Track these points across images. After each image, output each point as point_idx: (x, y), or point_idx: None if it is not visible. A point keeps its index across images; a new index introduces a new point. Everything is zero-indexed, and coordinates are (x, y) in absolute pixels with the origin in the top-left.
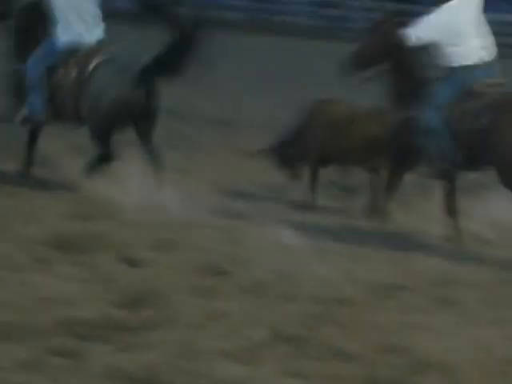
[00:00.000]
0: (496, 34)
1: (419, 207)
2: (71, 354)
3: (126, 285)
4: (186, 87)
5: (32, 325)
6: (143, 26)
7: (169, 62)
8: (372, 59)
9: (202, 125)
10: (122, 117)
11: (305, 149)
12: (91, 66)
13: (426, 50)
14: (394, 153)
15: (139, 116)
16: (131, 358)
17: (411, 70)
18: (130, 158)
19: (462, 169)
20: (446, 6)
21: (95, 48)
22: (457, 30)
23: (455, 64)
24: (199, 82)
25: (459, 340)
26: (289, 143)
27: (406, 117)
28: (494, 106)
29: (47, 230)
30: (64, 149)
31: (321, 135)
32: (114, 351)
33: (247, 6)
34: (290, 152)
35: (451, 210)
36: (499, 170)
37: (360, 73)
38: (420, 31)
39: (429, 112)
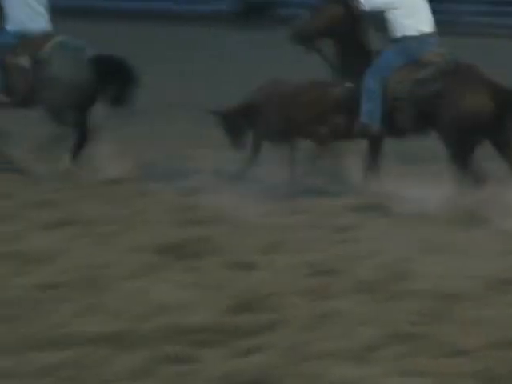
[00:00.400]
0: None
1: None
2: (185, 360)
3: (238, 289)
4: None
5: (145, 332)
6: (246, 28)
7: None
8: (323, 30)
9: None
10: (77, 98)
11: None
12: (44, 52)
13: (377, 19)
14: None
15: (93, 98)
16: (246, 361)
17: (361, 42)
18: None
19: (407, 132)
20: None
21: (44, 35)
22: (407, 2)
23: (403, 33)
24: None
25: None
26: (241, 113)
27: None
28: (444, 73)
29: (158, 236)
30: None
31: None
32: (229, 356)
33: None
34: (240, 122)
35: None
36: (443, 131)
37: (310, 43)
38: (373, 1)
39: (370, 75)
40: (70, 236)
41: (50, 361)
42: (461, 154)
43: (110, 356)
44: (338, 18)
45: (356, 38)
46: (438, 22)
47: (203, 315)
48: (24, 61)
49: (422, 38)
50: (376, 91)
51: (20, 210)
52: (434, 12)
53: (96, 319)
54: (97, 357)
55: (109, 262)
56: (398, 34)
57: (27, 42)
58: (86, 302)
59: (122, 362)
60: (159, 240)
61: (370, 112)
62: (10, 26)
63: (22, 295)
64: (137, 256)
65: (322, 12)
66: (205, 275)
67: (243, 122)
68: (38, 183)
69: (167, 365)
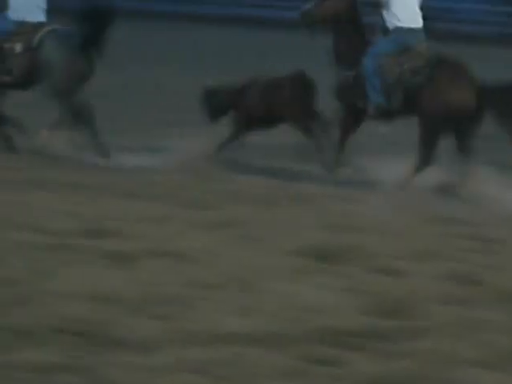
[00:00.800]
0: None
1: None
2: (330, 362)
3: (381, 294)
4: None
5: (292, 333)
6: None
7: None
8: (328, 17)
9: None
10: (72, 79)
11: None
12: (38, 38)
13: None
14: (343, 109)
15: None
16: (390, 366)
17: (359, 31)
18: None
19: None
20: None
21: (38, 24)
22: None
23: (399, 24)
24: None
25: None
26: (221, 95)
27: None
28: (431, 65)
29: (305, 240)
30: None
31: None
32: (374, 360)
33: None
34: (220, 102)
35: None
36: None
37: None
38: None
39: (368, 59)
40: (223, 237)
41: (203, 358)
42: (431, 140)
43: (260, 356)
44: (341, 8)
45: (355, 27)
46: None
47: (350, 319)
48: (19, 47)
49: (412, 30)
50: (375, 73)
51: (175, 210)
52: None
53: (246, 320)
54: (247, 357)
55: (260, 264)
56: (392, 24)
57: (22, 29)
58: (238, 302)
59: (272, 363)
60: (310, 244)
61: (375, 91)
62: (9, 14)
63: (177, 293)
64: (287, 259)
65: (325, 2)
66: (350, 280)
67: (226, 103)
68: (189, 185)
69: (315, 366)
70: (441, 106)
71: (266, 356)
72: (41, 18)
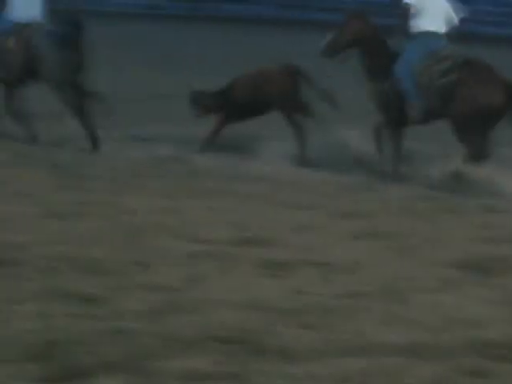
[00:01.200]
0: None
1: None
2: (483, 374)
3: None
4: None
5: (442, 344)
6: None
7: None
8: (349, 43)
9: None
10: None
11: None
12: (34, 38)
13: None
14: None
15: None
16: None
17: (382, 45)
18: None
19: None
20: None
21: (34, 23)
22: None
23: (423, 30)
24: None
25: None
26: (210, 96)
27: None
28: (459, 66)
29: (456, 252)
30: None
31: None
32: None
33: None
34: (209, 103)
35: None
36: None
37: (337, 55)
38: None
39: (400, 67)
40: (373, 248)
41: (354, 369)
42: (471, 138)
43: (405, 366)
44: (360, 31)
45: (377, 41)
46: None
47: (500, 331)
48: (17, 45)
49: (437, 34)
50: (409, 79)
51: (326, 219)
52: None
53: (393, 330)
54: (392, 366)
55: (409, 274)
56: (419, 30)
57: (20, 28)
58: (385, 312)
59: (417, 373)
60: (459, 255)
61: (414, 95)
62: (7, 14)
63: (328, 303)
64: (440, 270)
65: (346, 28)
66: (506, 292)
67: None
68: (343, 194)
69: (467, 378)
70: (471, 105)
71: (412, 366)
72: (37, 15)
